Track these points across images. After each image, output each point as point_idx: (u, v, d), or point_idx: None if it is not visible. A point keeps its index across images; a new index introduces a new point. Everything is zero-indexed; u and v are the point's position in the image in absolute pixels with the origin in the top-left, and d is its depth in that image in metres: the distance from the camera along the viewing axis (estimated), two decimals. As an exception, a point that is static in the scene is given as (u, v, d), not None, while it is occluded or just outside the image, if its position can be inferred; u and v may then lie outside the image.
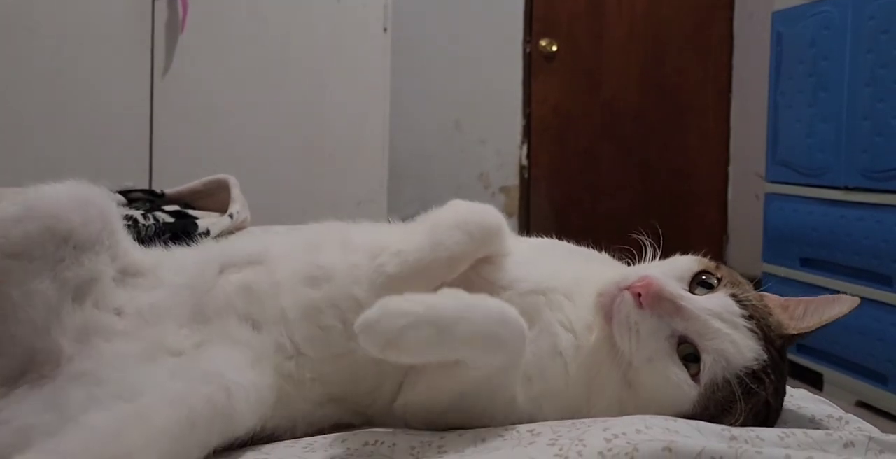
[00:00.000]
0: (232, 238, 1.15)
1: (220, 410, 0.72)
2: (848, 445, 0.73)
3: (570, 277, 0.88)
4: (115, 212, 0.90)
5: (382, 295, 0.71)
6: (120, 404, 0.69)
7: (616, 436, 0.68)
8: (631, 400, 0.79)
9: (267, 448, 0.78)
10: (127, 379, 0.75)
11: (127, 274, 0.88)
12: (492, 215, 0.86)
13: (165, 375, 0.76)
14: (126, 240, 0.90)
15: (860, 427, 0.81)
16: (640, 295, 0.79)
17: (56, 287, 0.81)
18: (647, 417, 0.73)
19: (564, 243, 0.98)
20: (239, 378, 0.76)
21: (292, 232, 1.01)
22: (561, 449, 0.67)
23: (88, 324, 0.82)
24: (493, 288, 0.84)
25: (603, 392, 0.80)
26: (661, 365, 0.78)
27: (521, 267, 0.88)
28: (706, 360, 0.77)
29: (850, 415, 0.85)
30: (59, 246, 0.82)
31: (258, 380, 0.78)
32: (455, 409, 0.79)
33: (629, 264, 0.93)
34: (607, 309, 0.80)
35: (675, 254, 0.90)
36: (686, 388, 0.77)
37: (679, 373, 0.77)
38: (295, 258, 0.88)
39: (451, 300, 0.73)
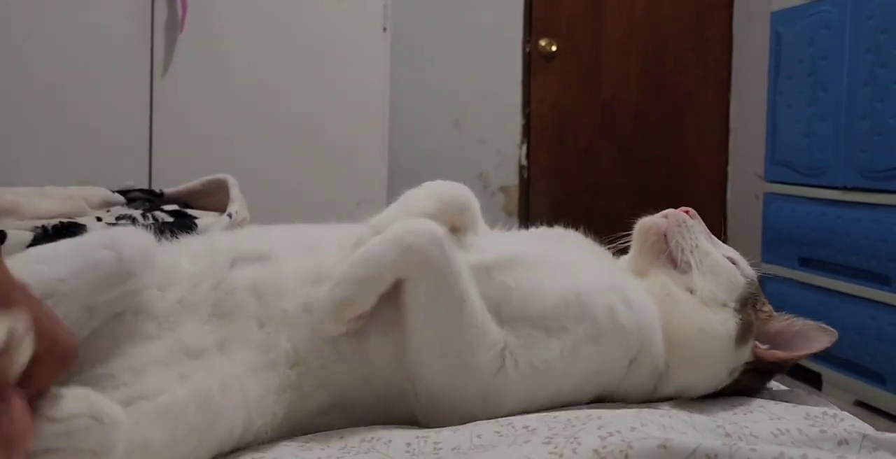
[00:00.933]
0: (238, 231, 1.15)
1: (234, 419, 0.75)
2: (842, 442, 0.73)
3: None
4: (155, 244, 0.89)
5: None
6: (141, 402, 0.71)
7: (611, 434, 0.68)
8: (693, 304, 0.90)
9: (263, 445, 0.78)
10: (148, 384, 0.75)
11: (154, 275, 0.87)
12: (461, 188, 0.93)
13: (180, 380, 0.76)
14: (159, 253, 0.88)
15: (854, 424, 0.82)
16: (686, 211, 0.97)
17: (90, 313, 0.78)
18: (643, 414, 0.74)
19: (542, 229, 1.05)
20: (255, 386, 0.78)
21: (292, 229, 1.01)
22: (556, 448, 0.67)
23: (119, 331, 0.81)
24: (472, 249, 0.89)
25: (678, 306, 0.91)
26: (717, 255, 0.94)
27: (504, 239, 0.98)
28: (739, 261, 0.96)
29: (844, 413, 0.85)
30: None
31: (272, 385, 0.79)
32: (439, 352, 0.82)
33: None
34: (663, 228, 0.97)
35: None
36: (737, 274, 0.93)
37: (728, 262, 0.94)
38: (297, 258, 0.89)
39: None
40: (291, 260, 0.88)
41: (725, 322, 0.89)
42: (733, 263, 0.95)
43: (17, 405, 0.50)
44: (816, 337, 0.93)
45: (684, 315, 0.89)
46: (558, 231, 1.02)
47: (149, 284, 0.83)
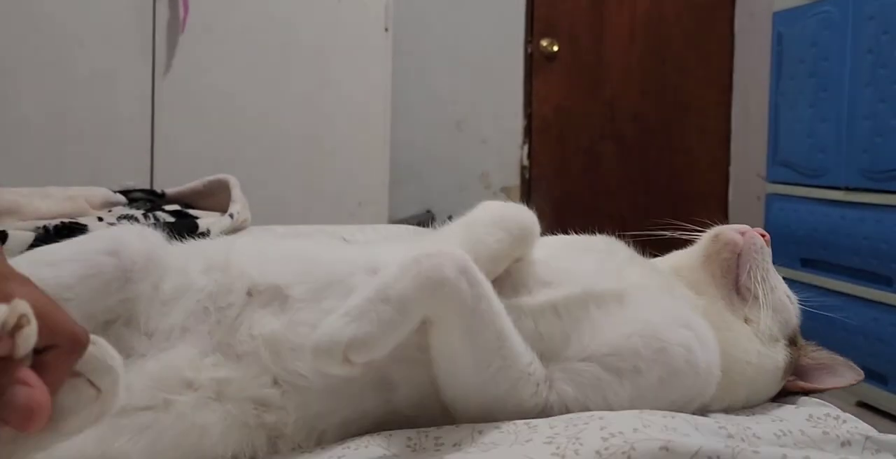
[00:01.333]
0: (251, 244, 1.03)
1: None
2: (845, 444, 0.73)
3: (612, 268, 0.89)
4: (163, 245, 0.83)
5: None
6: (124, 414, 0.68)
7: (613, 435, 0.68)
8: (747, 336, 0.88)
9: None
10: (134, 397, 0.71)
11: (161, 278, 0.81)
12: (527, 213, 0.83)
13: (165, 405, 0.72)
14: (167, 255, 0.82)
15: (857, 426, 0.81)
16: (762, 236, 0.93)
17: (87, 318, 0.74)
18: (645, 415, 0.73)
19: (566, 238, 0.98)
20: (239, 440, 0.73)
21: (304, 247, 0.91)
22: (558, 448, 0.67)
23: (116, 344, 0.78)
24: (535, 285, 0.82)
25: (732, 334, 0.87)
26: (781, 291, 0.92)
27: (562, 262, 0.86)
28: (790, 295, 0.94)
29: (847, 415, 0.85)
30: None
31: (260, 442, 0.75)
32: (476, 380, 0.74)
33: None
34: (740, 248, 0.91)
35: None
36: (794, 313, 0.93)
37: (788, 298, 0.93)
38: (313, 303, 0.79)
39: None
40: (307, 306, 0.78)
41: (776, 358, 0.88)
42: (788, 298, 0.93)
43: (32, 378, 0.50)
44: (843, 372, 0.93)
45: (740, 346, 0.86)
46: (603, 242, 0.95)
47: (150, 293, 0.78)
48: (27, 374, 0.50)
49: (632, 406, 0.75)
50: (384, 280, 0.69)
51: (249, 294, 0.79)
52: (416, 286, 0.69)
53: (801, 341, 0.94)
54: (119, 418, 0.68)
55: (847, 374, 0.93)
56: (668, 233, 0.97)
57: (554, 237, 0.96)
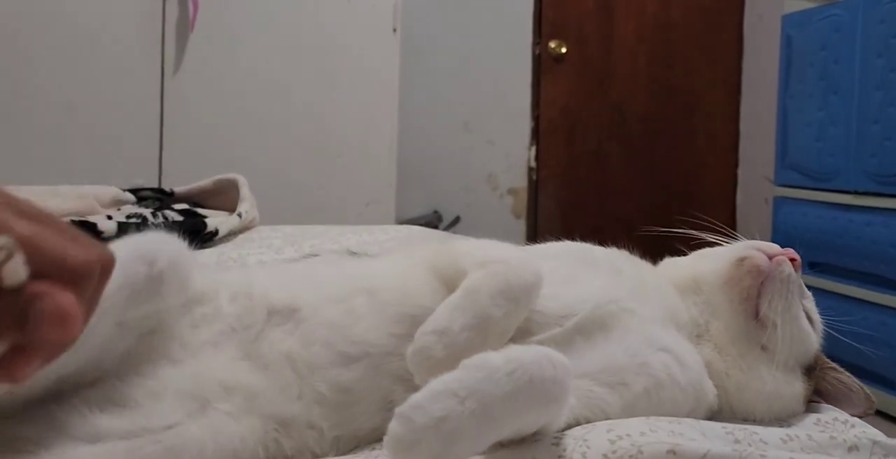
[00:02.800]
0: (270, 268, 1.06)
1: None
2: (852, 449, 0.73)
3: (624, 285, 0.88)
4: (188, 255, 0.84)
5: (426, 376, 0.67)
6: (147, 437, 0.69)
7: (620, 438, 0.68)
8: (764, 363, 0.86)
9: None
10: (163, 413, 0.72)
11: (191, 302, 0.82)
12: (531, 271, 0.79)
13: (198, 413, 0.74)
14: (194, 271, 0.84)
15: (865, 430, 0.81)
16: (792, 260, 0.89)
17: (121, 329, 0.76)
18: (652, 420, 0.74)
19: (572, 245, 0.97)
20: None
21: (313, 270, 0.93)
22: (565, 450, 0.67)
23: (141, 349, 0.78)
24: (548, 322, 0.81)
25: (745, 362, 0.86)
26: (803, 321, 0.89)
27: (568, 289, 0.85)
28: (815, 320, 0.92)
29: (855, 419, 0.85)
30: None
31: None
32: None
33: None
34: (765, 275, 0.87)
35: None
36: (815, 341, 0.90)
37: (810, 327, 0.90)
38: (327, 321, 0.81)
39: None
40: (320, 323, 0.81)
41: (794, 385, 0.87)
42: (810, 321, 0.91)
43: (44, 286, 0.47)
44: (856, 401, 0.91)
45: (754, 373, 0.85)
46: (608, 259, 0.93)
47: (178, 309, 0.79)
48: (36, 286, 0.47)
49: (626, 415, 0.76)
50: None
51: (269, 313, 0.82)
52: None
53: (824, 361, 0.93)
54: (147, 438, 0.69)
55: (860, 405, 0.91)
56: (691, 232, 0.96)
57: (554, 248, 0.95)
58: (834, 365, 0.93)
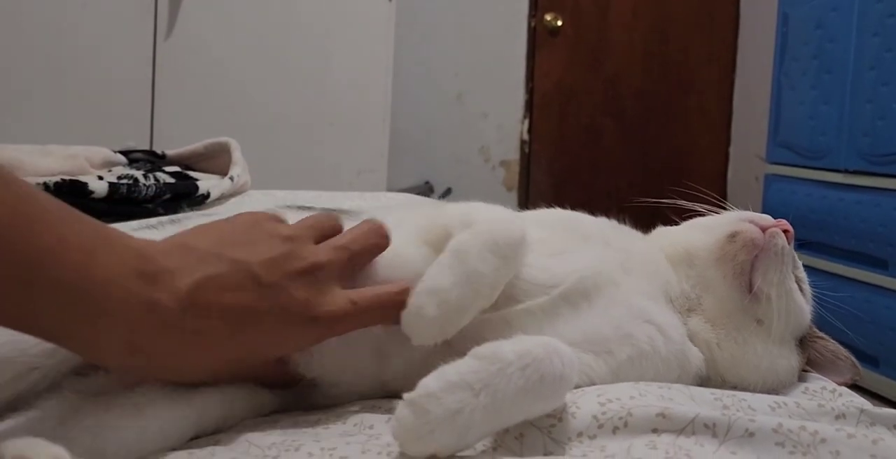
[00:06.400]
0: None
1: None
2: (839, 417, 0.73)
3: (611, 255, 0.86)
4: None
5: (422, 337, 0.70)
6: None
7: (610, 401, 0.69)
8: (760, 337, 0.85)
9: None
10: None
11: None
12: (516, 227, 0.78)
13: None
14: None
15: (852, 400, 0.82)
16: (785, 231, 0.87)
17: None
18: (642, 385, 0.74)
19: (563, 215, 0.97)
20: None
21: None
22: (554, 411, 0.68)
23: None
24: (535, 291, 0.80)
25: (740, 335, 0.85)
26: (797, 294, 0.87)
27: (557, 260, 0.83)
28: (806, 291, 0.90)
29: (842, 388, 0.86)
30: None
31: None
32: None
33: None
34: (758, 249, 0.85)
35: None
36: (808, 313, 0.89)
37: (804, 300, 0.89)
38: None
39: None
40: None
41: (790, 358, 0.87)
42: (802, 292, 0.89)
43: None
44: (844, 369, 0.91)
45: (749, 348, 0.85)
46: (597, 228, 0.91)
47: None
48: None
49: (612, 382, 0.76)
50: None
51: None
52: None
53: (813, 331, 0.93)
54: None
55: (846, 372, 0.91)
56: (680, 202, 0.95)
57: (545, 217, 0.93)
58: (821, 334, 0.93)
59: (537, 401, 0.65)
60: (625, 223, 0.96)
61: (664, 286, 0.88)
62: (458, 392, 0.60)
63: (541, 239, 0.84)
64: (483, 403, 0.60)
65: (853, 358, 0.92)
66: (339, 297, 0.68)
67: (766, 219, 0.89)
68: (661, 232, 0.99)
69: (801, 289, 0.90)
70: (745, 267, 0.85)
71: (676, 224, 0.98)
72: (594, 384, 0.76)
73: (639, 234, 0.96)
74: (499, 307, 0.77)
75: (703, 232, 0.91)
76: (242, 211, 0.82)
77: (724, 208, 0.95)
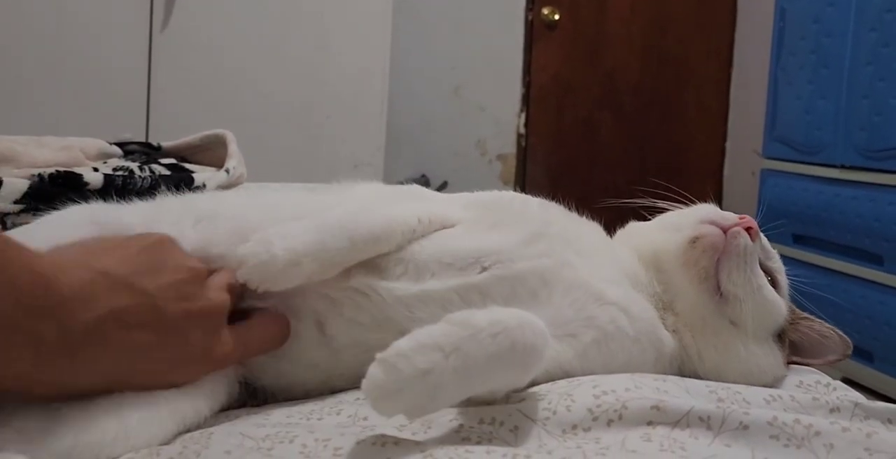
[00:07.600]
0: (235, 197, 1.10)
1: None
2: (834, 410, 0.73)
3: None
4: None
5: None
6: None
7: (605, 393, 0.69)
8: (738, 338, 0.85)
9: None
10: None
11: None
12: (378, 219, 0.81)
13: None
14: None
15: (847, 394, 0.82)
16: (749, 228, 0.86)
17: None
18: (637, 377, 0.74)
19: (499, 197, 0.94)
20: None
21: (279, 197, 0.97)
22: (549, 404, 0.68)
23: None
24: (452, 264, 0.81)
25: (720, 340, 0.85)
26: (767, 289, 0.87)
27: (481, 237, 0.85)
28: (781, 282, 0.91)
29: (837, 382, 0.86)
30: None
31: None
32: None
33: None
34: (720, 251, 0.85)
35: None
36: (782, 306, 0.88)
37: (776, 293, 0.88)
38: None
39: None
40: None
41: (771, 354, 0.87)
42: (775, 284, 0.89)
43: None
44: (833, 347, 0.91)
45: (730, 351, 0.85)
46: (538, 210, 0.91)
47: None
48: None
49: (581, 366, 0.77)
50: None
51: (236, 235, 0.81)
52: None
53: (796, 314, 0.93)
54: None
55: (838, 349, 0.91)
56: (653, 202, 0.95)
57: (483, 198, 0.93)
58: (805, 314, 0.93)
59: (508, 369, 0.65)
60: (608, 220, 0.96)
61: (628, 273, 0.88)
62: (429, 353, 0.61)
63: (475, 218, 0.86)
64: (453, 365, 0.61)
65: (839, 332, 0.91)
66: (229, 338, 0.71)
67: (728, 217, 0.88)
68: (634, 227, 0.99)
69: (775, 281, 0.90)
70: (709, 271, 0.85)
71: (649, 219, 0.98)
72: (562, 368, 0.76)
73: (592, 223, 0.95)
74: (394, 277, 0.79)
75: (671, 231, 0.91)
76: None
77: (693, 201, 0.94)
